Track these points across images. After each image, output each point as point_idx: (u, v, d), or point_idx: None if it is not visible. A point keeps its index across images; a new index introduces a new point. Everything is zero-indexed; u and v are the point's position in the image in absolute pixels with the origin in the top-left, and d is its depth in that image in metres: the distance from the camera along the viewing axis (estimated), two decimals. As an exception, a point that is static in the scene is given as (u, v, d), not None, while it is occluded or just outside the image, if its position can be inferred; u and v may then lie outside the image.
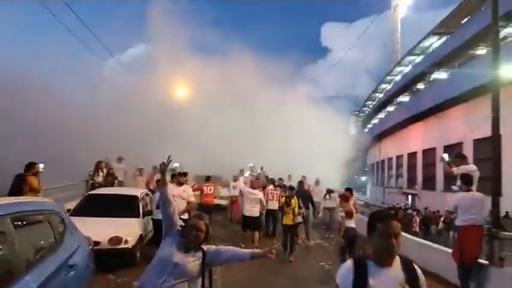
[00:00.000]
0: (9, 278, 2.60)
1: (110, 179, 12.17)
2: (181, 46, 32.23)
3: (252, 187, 9.84)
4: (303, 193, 11.07)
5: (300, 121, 26.10)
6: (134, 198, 8.39)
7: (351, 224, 7.83)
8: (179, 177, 8.22)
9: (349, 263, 2.26)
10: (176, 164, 13.70)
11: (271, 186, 11.39)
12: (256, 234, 9.46)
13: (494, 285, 6.18)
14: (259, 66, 31.32)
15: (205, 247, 3.06)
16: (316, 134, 25.56)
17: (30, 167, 7.79)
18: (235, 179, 13.12)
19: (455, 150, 22.72)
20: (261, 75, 29.71)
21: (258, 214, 9.67)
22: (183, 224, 3.30)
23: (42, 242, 3.28)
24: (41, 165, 7.90)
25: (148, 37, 35.54)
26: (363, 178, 47.77)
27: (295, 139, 24.82)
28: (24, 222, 3.05)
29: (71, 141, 18.14)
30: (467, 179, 6.51)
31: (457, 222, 6.44)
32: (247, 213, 9.61)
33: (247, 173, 11.27)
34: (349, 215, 7.84)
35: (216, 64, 28.36)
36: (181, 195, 7.81)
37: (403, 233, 9.83)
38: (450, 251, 7.22)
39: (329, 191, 13.16)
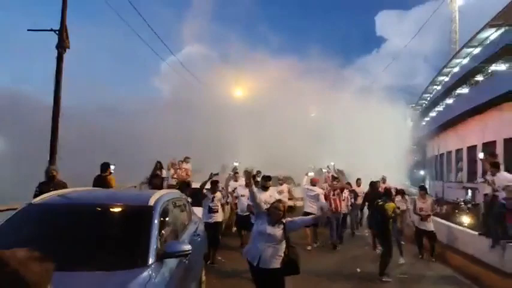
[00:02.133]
0: (175, 236, 4.69)
1: (157, 181, 12.10)
2: (235, 44, 34.13)
3: (312, 184, 11.00)
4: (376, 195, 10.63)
5: (357, 115, 26.29)
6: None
7: None
8: (265, 182, 9.10)
9: None
10: (236, 163, 15.35)
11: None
12: (313, 230, 10.88)
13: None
14: (315, 60, 32.57)
15: (284, 220, 5.03)
16: (375, 128, 25.70)
17: (108, 167, 9.79)
18: (282, 183, 13.06)
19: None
20: (316, 69, 30.85)
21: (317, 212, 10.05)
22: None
23: (184, 217, 5.40)
24: (112, 167, 9.90)
25: (202, 37, 37.86)
26: (422, 172, 47.64)
27: (354, 134, 24.99)
28: (176, 204, 5.17)
29: (135, 144, 20.38)
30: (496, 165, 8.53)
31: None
32: (307, 210, 10.64)
33: (311, 173, 11.94)
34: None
35: (271, 61, 30.01)
36: (267, 201, 7.58)
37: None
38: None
39: (399, 192, 12.03)
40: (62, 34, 7.34)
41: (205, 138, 21.40)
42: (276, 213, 5.00)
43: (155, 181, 11.06)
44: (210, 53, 36.36)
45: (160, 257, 3.74)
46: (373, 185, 11.74)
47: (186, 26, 37.75)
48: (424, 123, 43.62)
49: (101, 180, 9.22)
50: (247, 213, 9.50)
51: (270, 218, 5.01)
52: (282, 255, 4.88)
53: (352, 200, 13.00)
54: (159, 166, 13.72)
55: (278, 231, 4.92)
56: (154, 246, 3.76)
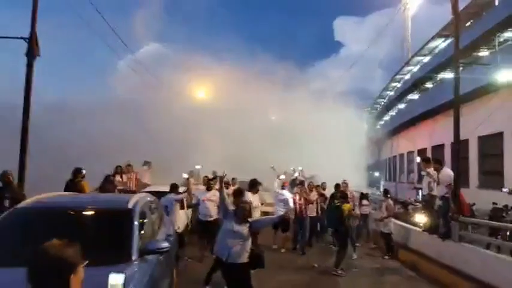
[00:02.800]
0: (152, 235, 5.18)
1: (109, 187, 11.37)
2: (195, 45, 34.25)
3: (282, 187, 11.24)
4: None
5: (315, 118, 27.20)
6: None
7: None
8: (254, 187, 9.75)
9: None
10: (198, 166, 15.71)
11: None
12: (287, 235, 11.14)
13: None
14: (274, 63, 33.29)
15: (250, 219, 5.65)
16: (332, 131, 26.50)
17: (79, 172, 9.79)
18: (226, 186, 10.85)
19: (461, 147, 24.81)
20: (272, 73, 31.53)
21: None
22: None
23: (158, 218, 5.90)
24: (84, 171, 9.95)
25: (164, 36, 37.48)
26: (377, 174, 49.90)
27: (312, 137, 25.83)
28: (151, 207, 5.66)
29: (100, 146, 20.09)
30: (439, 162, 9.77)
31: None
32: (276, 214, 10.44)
33: (282, 176, 12.02)
34: None
35: (228, 63, 30.38)
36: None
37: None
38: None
39: (364, 196, 13.06)
40: (32, 42, 7.61)
41: (169, 141, 21.50)
42: (242, 212, 5.62)
43: (108, 187, 10.51)
44: (171, 54, 36.30)
45: (142, 253, 4.24)
46: (338, 186, 12.14)
47: (147, 25, 37.34)
48: (378, 126, 45.76)
49: (73, 186, 9.10)
50: (212, 219, 9.38)
51: (236, 217, 5.62)
52: (249, 250, 5.50)
53: (322, 204, 12.70)
54: (119, 170, 13.29)
55: (244, 229, 5.54)
56: (137, 244, 4.27)
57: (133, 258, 4.10)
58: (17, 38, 7.68)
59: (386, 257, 10.86)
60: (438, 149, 31.13)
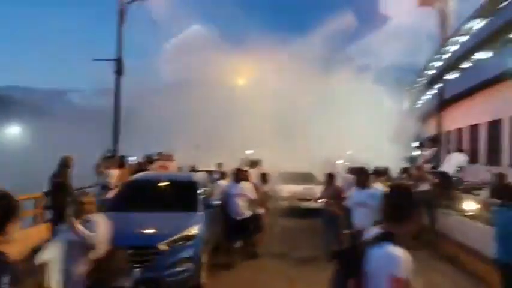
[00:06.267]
0: (209, 196, 8.51)
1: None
2: (229, 27, 35.04)
3: None
4: None
5: (352, 96, 26.88)
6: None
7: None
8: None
9: None
10: (249, 151, 17.03)
11: None
12: None
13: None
14: (310, 38, 34.01)
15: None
16: (370, 109, 27.06)
17: (149, 157, 12.96)
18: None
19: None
20: (311, 49, 32.33)
21: None
22: None
23: (210, 189, 9.25)
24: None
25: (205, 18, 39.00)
26: (417, 153, 50.82)
27: (348, 117, 25.87)
28: (207, 181, 9.03)
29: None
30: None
31: None
32: None
33: (340, 161, 12.06)
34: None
35: (267, 43, 31.42)
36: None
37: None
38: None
39: None
40: (119, 62, 11.02)
41: (214, 125, 23.59)
42: None
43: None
44: (211, 37, 38.38)
45: (205, 208, 7.58)
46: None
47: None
48: (419, 105, 46.62)
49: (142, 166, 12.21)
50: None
51: None
52: None
53: None
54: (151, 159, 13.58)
55: None
56: (201, 201, 7.62)
57: (199, 209, 7.46)
58: (108, 59, 11.12)
59: None
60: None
